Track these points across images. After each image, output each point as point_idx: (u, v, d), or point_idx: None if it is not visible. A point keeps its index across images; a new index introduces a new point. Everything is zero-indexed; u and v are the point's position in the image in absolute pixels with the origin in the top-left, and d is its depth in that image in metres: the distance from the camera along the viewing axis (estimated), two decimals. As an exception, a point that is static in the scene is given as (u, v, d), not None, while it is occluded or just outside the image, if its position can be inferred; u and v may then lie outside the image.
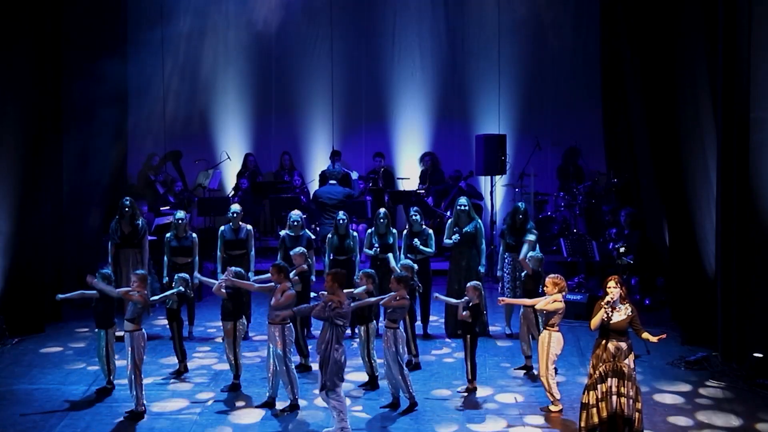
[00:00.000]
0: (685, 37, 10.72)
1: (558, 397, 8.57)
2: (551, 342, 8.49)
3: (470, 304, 9.00)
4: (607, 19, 15.26)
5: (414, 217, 10.85)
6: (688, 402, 8.83)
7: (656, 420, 8.36)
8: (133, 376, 8.47)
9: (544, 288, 8.59)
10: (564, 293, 8.57)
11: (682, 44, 10.78)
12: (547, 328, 8.53)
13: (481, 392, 9.10)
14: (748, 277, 9.55)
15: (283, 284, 8.62)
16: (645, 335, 7.72)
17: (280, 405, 8.71)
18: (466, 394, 9.04)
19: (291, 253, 9.99)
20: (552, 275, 8.62)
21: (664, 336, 7.89)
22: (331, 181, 13.83)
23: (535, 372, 9.52)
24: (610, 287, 7.65)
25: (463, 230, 10.79)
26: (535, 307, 8.76)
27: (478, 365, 9.24)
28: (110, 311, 9.11)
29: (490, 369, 9.83)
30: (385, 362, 8.72)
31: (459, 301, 9.17)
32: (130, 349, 8.50)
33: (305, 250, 10.06)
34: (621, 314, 7.63)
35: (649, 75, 11.13)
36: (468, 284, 9.25)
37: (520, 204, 11.23)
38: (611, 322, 7.60)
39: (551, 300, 8.46)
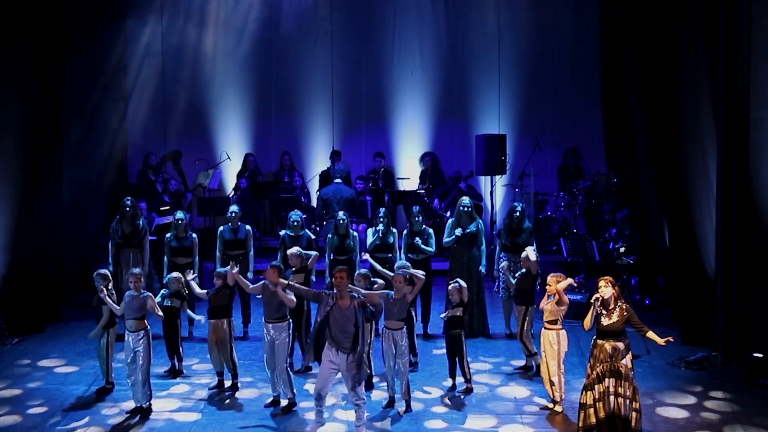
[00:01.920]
0: (685, 37, 10.72)
1: (563, 397, 8.57)
2: (560, 341, 8.49)
3: (455, 304, 9.03)
4: (607, 19, 15.24)
5: (417, 218, 10.85)
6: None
7: (656, 420, 8.36)
8: (145, 372, 8.50)
9: (546, 286, 8.60)
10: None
11: (682, 44, 10.78)
12: (550, 327, 8.52)
13: (480, 392, 9.10)
14: (748, 277, 9.55)
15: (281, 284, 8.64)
16: (651, 335, 7.72)
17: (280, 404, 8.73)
18: (464, 394, 9.04)
19: (288, 253, 9.97)
20: (554, 273, 8.63)
21: (671, 339, 7.90)
22: (337, 180, 13.68)
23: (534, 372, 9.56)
24: (600, 287, 7.70)
25: (466, 230, 10.78)
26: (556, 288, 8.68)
27: (477, 365, 9.23)
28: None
29: (490, 369, 9.83)
30: (384, 362, 8.72)
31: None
32: (141, 346, 8.49)
33: (300, 250, 9.99)
34: (615, 315, 7.64)
35: (649, 75, 11.12)
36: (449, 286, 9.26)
37: (516, 204, 11.24)
38: (606, 324, 7.61)
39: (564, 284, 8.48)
